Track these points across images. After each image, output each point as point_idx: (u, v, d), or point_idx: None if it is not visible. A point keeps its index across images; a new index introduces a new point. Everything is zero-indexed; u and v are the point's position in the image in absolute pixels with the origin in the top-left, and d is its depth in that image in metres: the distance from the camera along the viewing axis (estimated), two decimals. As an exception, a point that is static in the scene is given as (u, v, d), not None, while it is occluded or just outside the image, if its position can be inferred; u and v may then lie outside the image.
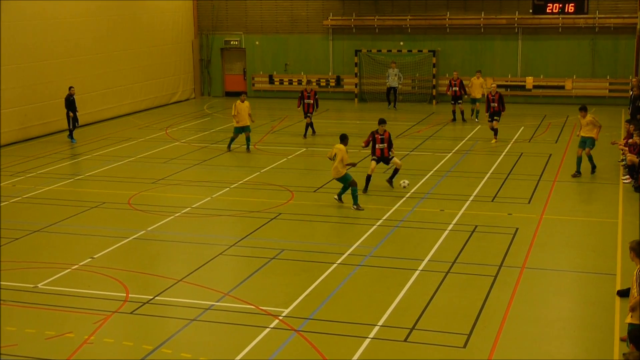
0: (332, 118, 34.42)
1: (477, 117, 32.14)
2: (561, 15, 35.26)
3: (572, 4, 34.99)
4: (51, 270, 15.50)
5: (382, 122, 21.10)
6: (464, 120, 31.94)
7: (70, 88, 28.65)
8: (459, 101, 31.78)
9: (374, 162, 21.14)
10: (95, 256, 16.28)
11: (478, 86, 31.75)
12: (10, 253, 16.67)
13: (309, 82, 29.79)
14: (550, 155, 25.06)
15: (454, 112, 32.12)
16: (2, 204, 20.50)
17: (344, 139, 19.79)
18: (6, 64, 28.32)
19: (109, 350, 12.08)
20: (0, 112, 27.92)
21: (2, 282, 14.83)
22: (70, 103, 28.41)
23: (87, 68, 32.72)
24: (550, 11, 35.40)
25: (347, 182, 19.48)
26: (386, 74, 36.29)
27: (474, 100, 32.15)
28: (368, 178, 20.91)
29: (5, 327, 12.85)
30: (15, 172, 24.24)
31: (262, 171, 23.56)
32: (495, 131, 27.03)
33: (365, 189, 20.77)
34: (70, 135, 28.82)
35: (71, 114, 28.50)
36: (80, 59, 32.31)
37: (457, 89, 31.73)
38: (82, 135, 30.06)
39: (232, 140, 26.60)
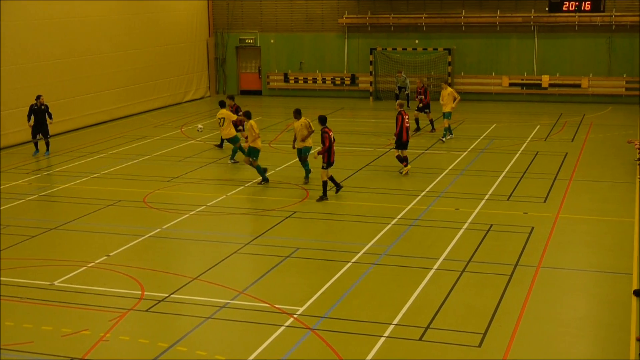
0: (347, 117, 34.44)
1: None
2: (577, 13, 35.09)
3: (589, 2, 34.82)
4: (67, 267, 15.58)
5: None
6: (433, 129, 29.10)
7: (37, 97, 26.24)
8: (426, 110, 28.86)
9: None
10: (111, 254, 16.35)
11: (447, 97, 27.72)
12: (27, 250, 16.77)
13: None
14: (567, 154, 24.95)
15: (417, 120, 29.45)
16: (19, 202, 20.62)
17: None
18: (23, 63, 28.50)
19: (125, 348, 12.13)
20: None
21: (18, 280, 14.94)
22: (35, 112, 25.99)
23: (102, 67, 32.85)
24: (566, 9, 35.24)
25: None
26: (394, 79, 36.31)
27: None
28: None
29: (22, 324, 12.93)
30: (32, 170, 24.37)
31: (277, 169, 23.56)
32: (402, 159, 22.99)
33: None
34: (36, 145, 26.63)
35: (31, 124, 26.09)
36: (95, 57, 32.44)
37: (423, 97, 29.00)
38: (98, 134, 30.20)
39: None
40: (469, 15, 36.66)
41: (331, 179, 20.37)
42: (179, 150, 26.83)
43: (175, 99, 38.17)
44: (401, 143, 22.44)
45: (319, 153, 20.28)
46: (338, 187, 20.61)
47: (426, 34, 37.55)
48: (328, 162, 20.08)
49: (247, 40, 40.62)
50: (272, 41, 40.20)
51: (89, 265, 15.74)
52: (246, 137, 22.12)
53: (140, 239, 17.34)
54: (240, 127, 25.42)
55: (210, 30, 40.82)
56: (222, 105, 25.01)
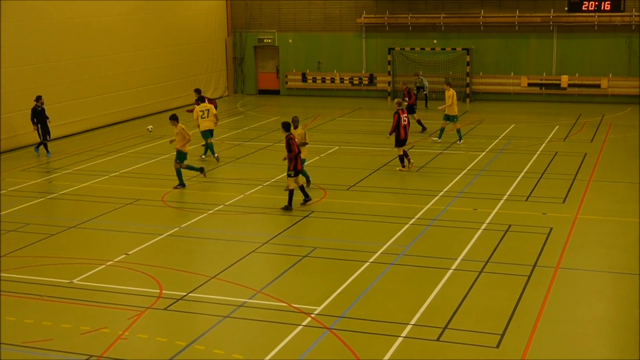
0: (365, 116, 34.41)
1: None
2: (597, 13, 34.89)
3: (608, 2, 34.58)
4: (86, 266, 15.68)
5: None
6: (423, 129, 29.00)
7: (37, 98, 26.05)
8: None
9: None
10: (129, 252, 16.43)
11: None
12: (46, 249, 16.89)
13: None
14: (586, 154, 24.83)
15: (419, 121, 29.11)
16: (39, 200, 20.81)
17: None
18: (41, 62, 28.71)
19: (143, 346, 12.19)
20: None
21: (38, 278, 15.06)
22: (37, 114, 25.88)
23: (121, 66, 33.02)
24: (586, 9, 35.02)
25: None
26: (413, 81, 36.24)
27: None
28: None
29: (41, 322, 13.03)
30: (52, 168, 24.54)
31: (295, 169, 23.57)
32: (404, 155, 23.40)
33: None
34: (37, 148, 26.51)
35: (35, 127, 25.97)
36: (114, 57, 32.61)
37: (407, 98, 28.72)
38: (117, 133, 30.34)
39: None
40: (487, 15, 36.55)
41: (301, 188, 19.61)
42: (198, 149, 26.88)
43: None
44: (400, 141, 22.79)
45: (284, 159, 19.41)
46: (307, 198, 19.64)
47: (445, 34, 37.48)
48: (295, 169, 19.17)
49: (265, 40, 40.69)
50: (290, 41, 40.24)
51: (108, 263, 15.82)
52: (171, 141, 21.93)
53: (158, 238, 17.42)
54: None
55: (228, 29, 40.93)
56: (198, 102, 25.33)
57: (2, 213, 19.56)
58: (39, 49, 28.55)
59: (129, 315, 13.22)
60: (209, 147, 25.05)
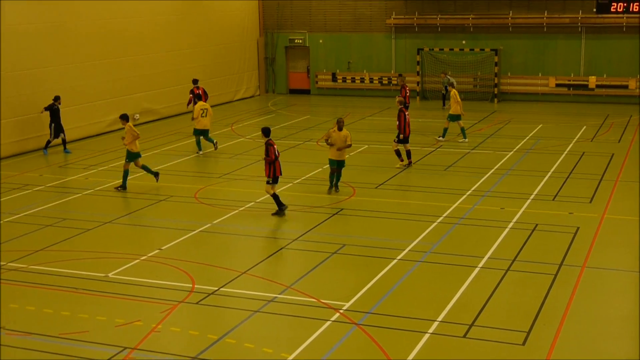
0: (394, 116, 34.45)
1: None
2: (625, 15, 34.79)
3: (637, 3, 34.48)
4: (121, 260, 16.01)
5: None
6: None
7: (56, 99, 26.61)
8: None
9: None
10: (163, 247, 16.75)
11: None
12: (83, 243, 17.26)
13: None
14: (613, 155, 24.83)
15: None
16: (75, 196, 21.24)
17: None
18: (78, 62, 29.17)
19: (176, 339, 12.45)
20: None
21: (74, 271, 15.41)
22: (52, 112, 26.49)
23: (154, 66, 33.40)
24: (614, 10, 34.95)
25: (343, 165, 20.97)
26: (440, 79, 36.26)
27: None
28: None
29: (77, 314, 13.35)
30: (88, 165, 24.95)
31: (324, 167, 23.74)
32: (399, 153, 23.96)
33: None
34: (65, 149, 27.13)
35: (42, 110, 26.70)
36: (148, 57, 32.99)
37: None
38: (151, 131, 30.69)
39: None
40: (516, 16, 36.56)
41: (274, 196, 19.01)
42: (230, 147, 27.22)
43: (226, 98, 38.63)
44: (404, 138, 23.42)
45: (264, 158, 18.88)
46: (280, 208, 19.00)
47: (473, 35, 37.53)
48: (274, 177, 18.78)
49: (296, 40, 40.96)
50: (320, 41, 40.48)
51: (142, 258, 16.15)
52: (123, 138, 21.89)
53: (191, 234, 17.72)
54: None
55: (260, 30, 41.24)
56: (194, 98, 28.28)
57: (40, 208, 19.98)
58: (74, 49, 28.96)
59: (162, 308, 13.50)
60: (197, 143, 26.48)
